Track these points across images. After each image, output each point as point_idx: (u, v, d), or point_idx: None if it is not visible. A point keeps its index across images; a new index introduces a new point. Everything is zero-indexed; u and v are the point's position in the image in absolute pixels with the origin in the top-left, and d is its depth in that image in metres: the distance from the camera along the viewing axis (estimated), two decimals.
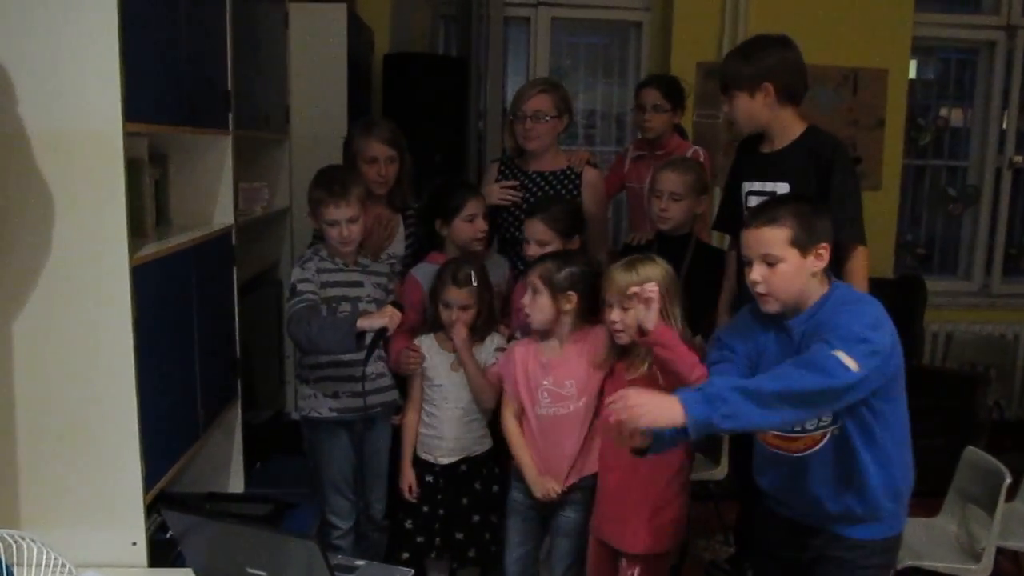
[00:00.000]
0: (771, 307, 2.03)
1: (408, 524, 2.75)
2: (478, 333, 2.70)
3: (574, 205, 3.02)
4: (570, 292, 2.50)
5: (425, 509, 2.74)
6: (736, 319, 2.26)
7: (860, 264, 2.54)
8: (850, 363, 1.81)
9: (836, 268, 2.26)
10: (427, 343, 2.74)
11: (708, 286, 2.82)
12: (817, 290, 2.02)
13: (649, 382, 2.27)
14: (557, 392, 2.52)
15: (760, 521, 2.28)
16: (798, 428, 2.03)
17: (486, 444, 2.76)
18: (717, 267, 2.90)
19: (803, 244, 1.98)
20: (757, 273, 2.00)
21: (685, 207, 2.87)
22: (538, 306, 2.51)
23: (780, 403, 1.79)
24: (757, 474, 2.22)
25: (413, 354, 2.72)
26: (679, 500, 2.48)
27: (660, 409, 1.78)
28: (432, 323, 2.74)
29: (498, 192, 3.12)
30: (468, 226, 2.87)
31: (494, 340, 2.74)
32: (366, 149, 2.94)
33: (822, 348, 1.85)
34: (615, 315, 2.38)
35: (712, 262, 2.91)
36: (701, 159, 3.35)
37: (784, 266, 1.98)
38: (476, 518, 2.72)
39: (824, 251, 2.01)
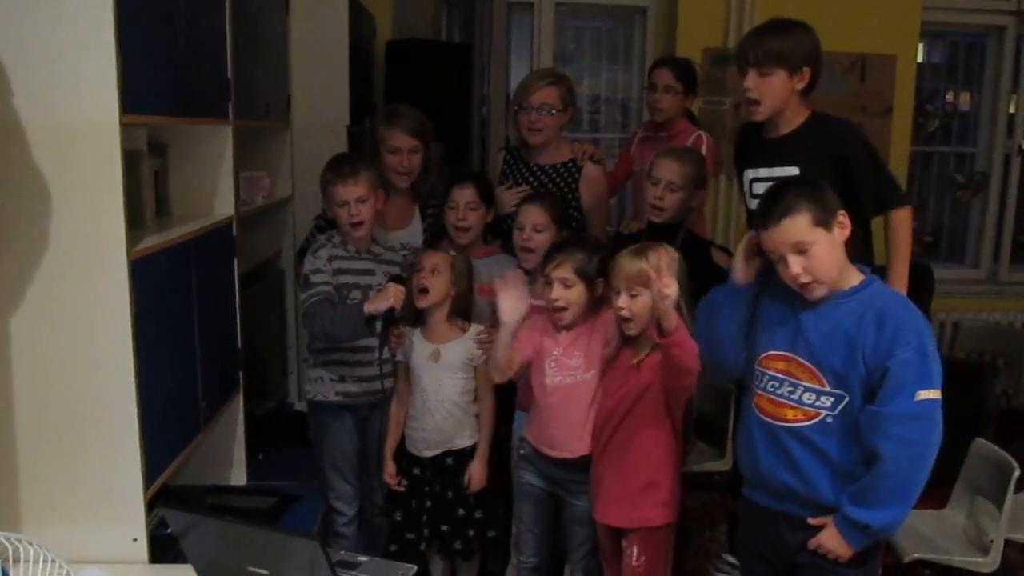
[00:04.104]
0: (819, 292, 2.01)
1: (398, 516, 2.75)
2: (458, 315, 2.70)
3: (566, 200, 3.02)
4: (599, 279, 2.46)
5: (413, 503, 2.73)
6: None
7: (907, 223, 2.52)
8: (934, 394, 1.96)
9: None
10: (411, 337, 2.72)
11: (696, 277, 2.79)
12: (844, 260, 2.03)
13: (651, 366, 2.30)
14: (565, 362, 2.49)
15: (743, 516, 2.24)
16: (795, 396, 2.03)
17: (472, 438, 2.72)
18: (705, 258, 2.86)
19: (825, 221, 1.98)
20: (796, 265, 1.98)
21: (680, 199, 2.80)
22: (573, 299, 2.45)
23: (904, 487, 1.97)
24: (740, 454, 2.20)
25: (396, 339, 2.70)
26: (671, 478, 2.43)
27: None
28: (413, 317, 2.72)
29: (509, 199, 3.06)
30: (450, 212, 2.87)
31: (475, 329, 2.71)
32: (388, 139, 2.91)
33: (905, 400, 1.94)
34: (622, 302, 2.34)
35: (701, 253, 2.87)
36: (704, 144, 3.30)
37: (818, 248, 1.97)
38: (461, 512, 2.70)
39: (844, 218, 2.01)
